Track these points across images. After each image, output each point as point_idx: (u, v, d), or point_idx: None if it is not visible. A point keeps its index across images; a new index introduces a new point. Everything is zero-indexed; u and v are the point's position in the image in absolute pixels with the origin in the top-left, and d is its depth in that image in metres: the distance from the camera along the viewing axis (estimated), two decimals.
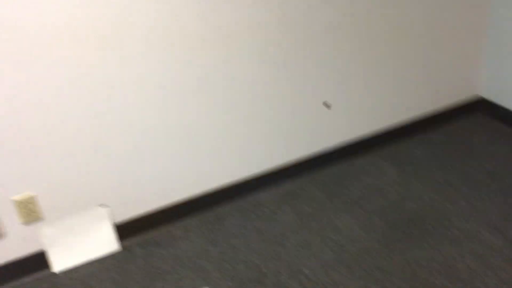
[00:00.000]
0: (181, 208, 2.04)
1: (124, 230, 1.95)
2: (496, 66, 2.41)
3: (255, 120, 2.02)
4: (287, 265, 1.77)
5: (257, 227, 1.97)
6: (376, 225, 1.92)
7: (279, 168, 2.17)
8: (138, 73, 1.73)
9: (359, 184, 2.14)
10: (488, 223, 1.86)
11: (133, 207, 1.96)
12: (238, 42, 1.84)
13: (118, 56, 1.67)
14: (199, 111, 1.89)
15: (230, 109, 1.95)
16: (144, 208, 1.98)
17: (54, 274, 1.83)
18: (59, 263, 1.85)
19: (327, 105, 2.13)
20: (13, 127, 1.62)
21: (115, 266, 1.85)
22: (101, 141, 1.78)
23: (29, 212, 1.75)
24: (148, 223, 2.00)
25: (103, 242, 1.90)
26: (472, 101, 2.54)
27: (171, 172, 1.95)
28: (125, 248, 1.93)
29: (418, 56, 2.27)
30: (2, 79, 1.55)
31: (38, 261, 1.84)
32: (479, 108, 2.56)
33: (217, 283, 1.73)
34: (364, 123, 2.30)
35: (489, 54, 2.42)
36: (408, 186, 2.11)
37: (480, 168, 2.16)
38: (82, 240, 1.88)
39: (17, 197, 1.72)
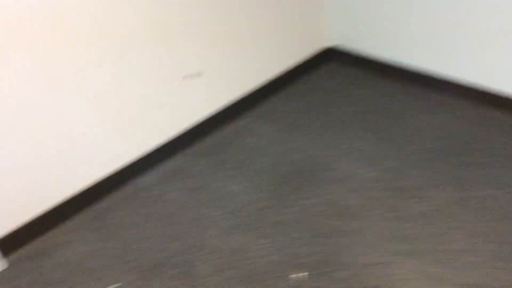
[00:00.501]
0: (64, 210, 1.85)
1: (7, 244, 1.73)
2: (339, 15, 2.56)
3: (122, 103, 1.89)
4: (186, 243, 1.71)
5: (146, 212, 1.86)
6: (265, 183, 1.94)
7: (157, 147, 2.07)
8: None
9: (241, 147, 2.14)
10: (366, 158, 1.99)
11: (12, 219, 1.73)
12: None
13: None
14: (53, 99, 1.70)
15: (98, 95, 1.79)
16: (24, 217, 1.76)
17: None
18: None
19: (192, 76, 2.07)
20: None
21: (4, 286, 1.62)
22: None
23: None
24: (32, 232, 1.79)
25: None
26: (325, 51, 2.69)
27: (40, 176, 1.75)
28: (12, 264, 1.70)
29: (269, 18, 2.32)
30: None
31: None
32: (332, 57, 2.71)
33: (118, 279, 1.61)
34: (231, 88, 2.30)
35: (331, 4, 2.56)
36: (287, 139, 2.17)
37: (348, 111, 2.29)
38: None
39: None
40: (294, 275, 1.56)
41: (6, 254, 1.74)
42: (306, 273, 1.55)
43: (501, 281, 1.44)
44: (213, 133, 2.24)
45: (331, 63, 2.70)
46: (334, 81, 2.54)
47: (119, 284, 1.60)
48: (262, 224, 1.75)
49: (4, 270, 1.70)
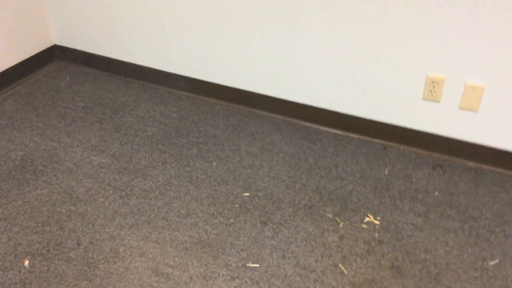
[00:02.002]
0: None
1: None
2: (63, 14, 2.57)
3: None
4: None
5: None
6: None
7: None
8: None
9: None
10: (93, 148, 2.08)
11: None
12: None
13: None
14: None
15: None
16: None
17: None
18: None
19: None
20: None
21: None
22: None
23: None
24: None
25: None
26: (51, 50, 2.66)
27: None
28: None
29: None
30: None
31: None
32: (58, 55, 2.70)
33: None
34: None
35: (53, 4, 2.55)
36: (9, 137, 2.09)
37: (73, 106, 2.33)
38: None
39: None
40: (26, 263, 1.55)
41: None
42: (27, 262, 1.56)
43: (213, 234, 1.71)
44: None
45: (59, 62, 2.69)
46: (61, 79, 2.55)
47: None
48: None
49: None
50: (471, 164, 2.01)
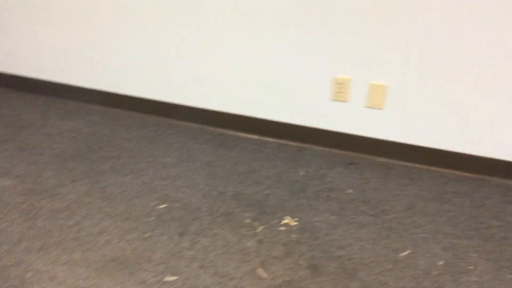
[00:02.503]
0: None
1: None
2: None
3: None
4: None
5: None
6: None
7: None
8: None
9: None
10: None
11: None
12: None
13: None
14: None
15: None
16: None
17: None
18: None
19: None
20: None
21: None
22: None
23: None
24: None
25: None
26: None
27: None
28: None
29: None
30: None
31: None
32: None
33: None
34: None
35: None
36: None
37: None
38: None
39: None
40: None
41: None
42: None
43: (128, 250, 1.65)
44: None
45: None
46: None
47: None
48: None
49: None
50: (381, 159, 2.09)
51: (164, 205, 1.83)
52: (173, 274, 1.57)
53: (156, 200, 1.85)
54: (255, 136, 2.21)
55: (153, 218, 1.78)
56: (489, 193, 1.90)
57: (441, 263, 1.64)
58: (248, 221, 1.79)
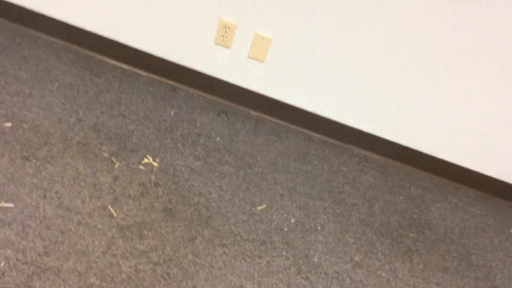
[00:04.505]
0: None
1: None
2: None
3: None
4: None
5: None
6: None
7: None
8: None
9: None
10: None
11: None
12: None
13: None
14: None
15: None
16: None
17: None
18: None
19: None
20: None
21: None
22: None
23: None
24: None
25: None
26: None
27: None
28: None
29: None
30: None
31: None
32: None
33: None
34: None
35: None
36: None
37: None
38: None
39: None
40: None
41: None
42: None
43: None
44: None
45: None
46: None
47: None
48: None
49: None
50: (254, 113, 2.08)
51: (9, 124, 1.61)
52: (8, 201, 1.40)
53: (1, 117, 1.62)
54: (127, 67, 2.04)
55: None
56: (347, 161, 2.00)
57: (293, 220, 1.69)
58: (105, 155, 1.65)
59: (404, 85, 1.85)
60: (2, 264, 1.28)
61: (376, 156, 2.08)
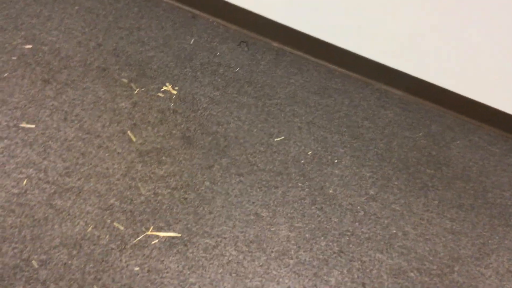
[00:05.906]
0: None
1: None
2: None
3: None
4: None
5: None
6: None
7: None
8: None
9: None
10: None
11: None
12: None
13: None
14: None
15: None
16: None
17: None
18: None
19: None
20: None
21: None
22: None
23: None
24: None
25: None
26: None
27: None
28: None
29: None
30: None
31: None
32: None
33: None
34: None
35: None
36: None
37: None
38: None
39: None
40: None
41: None
42: None
43: None
44: None
45: None
46: None
47: None
48: None
49: None
50: (275, 44, 2.03)
51: (29, 46, 1.61)
52: (30, 122, 1.42)
53: (21, 39, 1.62)
54: None
55: (15, 57, 1.56)
56: (367, 96, 1.97)
57: (310, 153, 1.69)
58: (125, 80, 1.65)
59: (432, 19, 1.78)
60: (24, 183, 1.33)
61: (398, 92, 2.04)
